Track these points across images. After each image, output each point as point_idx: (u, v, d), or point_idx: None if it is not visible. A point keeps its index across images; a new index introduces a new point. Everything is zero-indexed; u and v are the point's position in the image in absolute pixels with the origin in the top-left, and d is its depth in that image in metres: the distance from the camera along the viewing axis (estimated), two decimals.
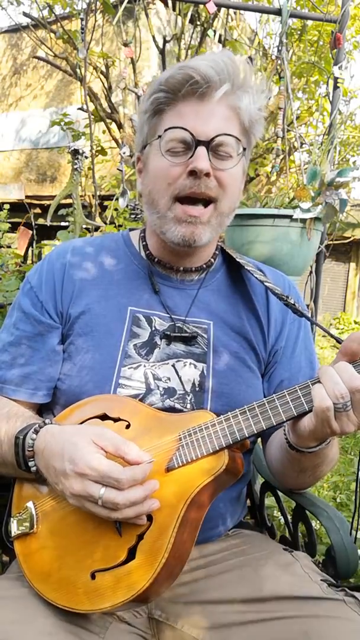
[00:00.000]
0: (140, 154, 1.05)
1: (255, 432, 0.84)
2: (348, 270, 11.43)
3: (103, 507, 0.76)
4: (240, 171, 1.01)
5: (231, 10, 4.50)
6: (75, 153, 2.21)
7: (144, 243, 1.10)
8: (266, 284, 1.04)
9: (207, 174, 0.93)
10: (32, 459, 0.88)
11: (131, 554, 0.81)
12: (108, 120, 5.21)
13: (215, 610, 0.91)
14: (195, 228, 0.96)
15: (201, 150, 0.92)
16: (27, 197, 9.60)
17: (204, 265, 1.08)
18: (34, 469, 0.88)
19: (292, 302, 1.01)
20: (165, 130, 0.94)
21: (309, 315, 1.05)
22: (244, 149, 0.98)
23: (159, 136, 0.96)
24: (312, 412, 0.80)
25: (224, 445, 0.84)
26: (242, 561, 0.98)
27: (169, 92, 0.93)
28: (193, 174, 0.93)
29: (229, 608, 0.90)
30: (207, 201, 0.96)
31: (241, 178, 1.03)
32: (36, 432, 0.88)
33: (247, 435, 0.84)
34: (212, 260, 1.10)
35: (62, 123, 3.87)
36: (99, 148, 3.80)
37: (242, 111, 0.95)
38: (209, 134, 0.93)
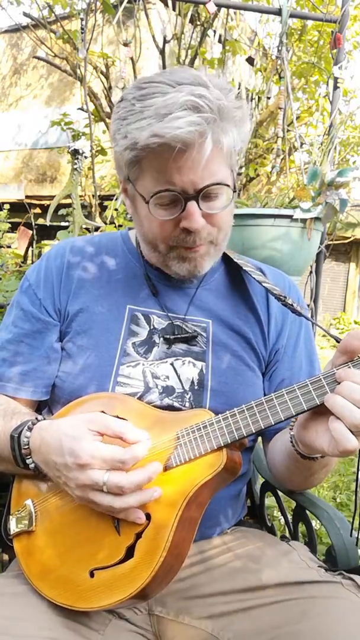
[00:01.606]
0: (122, 182, 0.99)
1: (254, 431, 0.83)
2: (348, 270, 11.44)
3: (108, 493, 0.76)
4: (232, 203, 0.96)
5: (231, 10, 4.50)
6: (75, 153, 2.21)
7: (140, 250, 1.09)
8: (264, 284, 1.03)
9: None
10: (29, 457, 0.88)
11: (129, 553, 0.81)
12: (108, 120, 5.21)
13: (216, 601, 0.91)
14: (197, 262, 0.97)
15: (191, 206, 0.88)
16: (27, 197, 9.61)
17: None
18: (32, 465, 0.88)
19: (290, 303, 1.00)
20: (152, 196, 0.89)
21: (309, 314, 1.04)
22: (234, 191, 0.94)
23: (147, 201, 0.90)
24: (334, 449, 0.77)
25: (222, 445, 0.84)
26: (240, 553, 0.99)
27: (145, 151, 0.86)
28: (186, 229, 0.90)
29: (230, 598, 0.91)
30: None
31: (232, 205, 0.97)
32: (29, 429, 0.88)
33: (245, 435, 0.84)
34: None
35: (62, 123, 3.88)
36: (99, 148, 3.80)
37: (227, 148, 0.88)
38: (196, 185, 0.87)
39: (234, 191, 0.94)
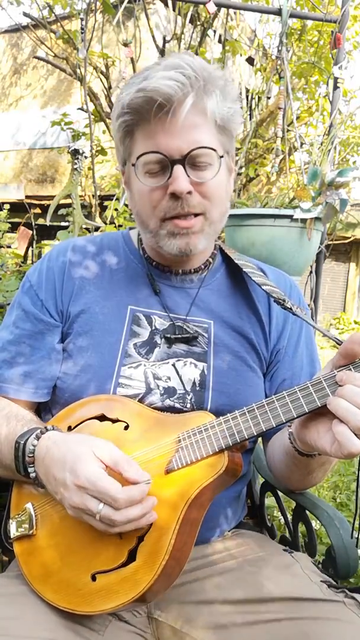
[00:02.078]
0: (122, 168, 1.04)
1: (255, 434, 0.83)
2: (348, 270, 11.43)
3: (101, 522, 0.76)
4: (224, 174, 0.98)
5: (231, 10, 4.50)
6: (75, 153, 2.21)
7: (142, 246, 1.10)
8: (264, 287, 1.03)
9: (189, 192, 0.91)
10: (32, 465, 0.87)
11: (131, 556, 0.81)
12: (108, 120, 5.21)
13: (215, 610, 0.91)
14: (190, 238, 0.96)
15: (178, 169, 0.90)
16: (26, 197, 9.59)
17: (202, 266, 1.08)
18: (33, 475, 0.87)
19: (289, 306, 1.00)
20: (138, 157, 0.93)
21: (310, 315, 1.04)
22: (221, 157, 0.95)
23: (133, 164, 0.94)
24: (338, 451, 0.77)
25: (224, 447, 0.84)
26: (242, 562, 0.98)
27: (134, 114, 0.91)
28: (174, 196, 0.91)
29: (229, 609, 0.90)
30: (195, 213, 0.95)
31: (227, 180, 1.00)
32: (38, 437, 0.87)
33: (246, 437, 0.84)
34: (211, 260, 1.10)
35: (62, 123, 3.88)
36: (99, 148, 3.80)
37: (211, 113, 0.91)
38: (182, 150, 0.90)
39: (221, 157, 0.95)
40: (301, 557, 0.99)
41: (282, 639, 0.82)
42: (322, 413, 0.80)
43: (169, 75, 0.86)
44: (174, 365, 1.00)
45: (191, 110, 0.88)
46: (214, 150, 0.93)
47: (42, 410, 1.06)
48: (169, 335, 1.01)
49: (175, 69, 0.87)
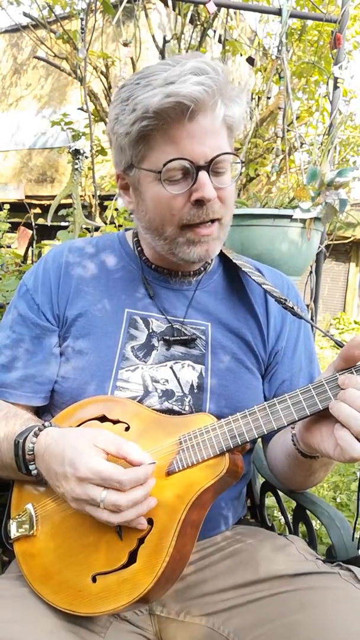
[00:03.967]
0: (123, 173, 0.99)
1: (256, 436, 0.83)
2: (348, 270, 11.43)
3: (104, 509, 0.76)
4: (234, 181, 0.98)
5: (231, 10, 4.50)
6: (76, 153, 2.21)
7: (139, 248, 1.09)
8: (264, 286, 1.03)
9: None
10: (32, 463, 0.87)
11: (132, 558, 0.81)
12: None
13: (216, 599, 0.92)
14: (209, 245, 0.96)
15: (203, 176, 0.88)
16: (26, 197, 9.60)
17: (202, 268, 1.08)
18: (34, 472, 0.87)
19: (291, 306, 1.00)
20: (164, 164, 0.88)
21: (309, 316, 1.04)
22: (241, 161, 0.95)
23: (159, 172, 0.89)
24: (340, 455, 0.77)
25: (225, 450, 0.84)
26: (238, 549, 0.99)
27: (158, 118, 0.86)
28: (199, 202, 0.89)
29: (229, 594, 0.91)
30: (212, 219, 0.94)
31: (235, 184, 0.99)
32: (36, 435, 0.87)
33: (248, 440, 0.84)
34: (209, 261, 1.10)
35: (62, 123, 3.88)
36: (99, 148, 3.80)
37: (229, 118, 0.91)
38: (207, 156, 0.88)
39: (242, 162, 0.95)
40: (296, 539, 1.00)
41: (279, 611, 0.83)
42: (325, 416, 0.80)
43: (199, 80, 0.83)
44: (171, 367, 1.00)
45: (215, 115, 0.87)
46: (236, 155, 0.93)
47: (41, 414, 1.06)
48: (167, 337, 1.01)
49: (202, 73, 0.84)
